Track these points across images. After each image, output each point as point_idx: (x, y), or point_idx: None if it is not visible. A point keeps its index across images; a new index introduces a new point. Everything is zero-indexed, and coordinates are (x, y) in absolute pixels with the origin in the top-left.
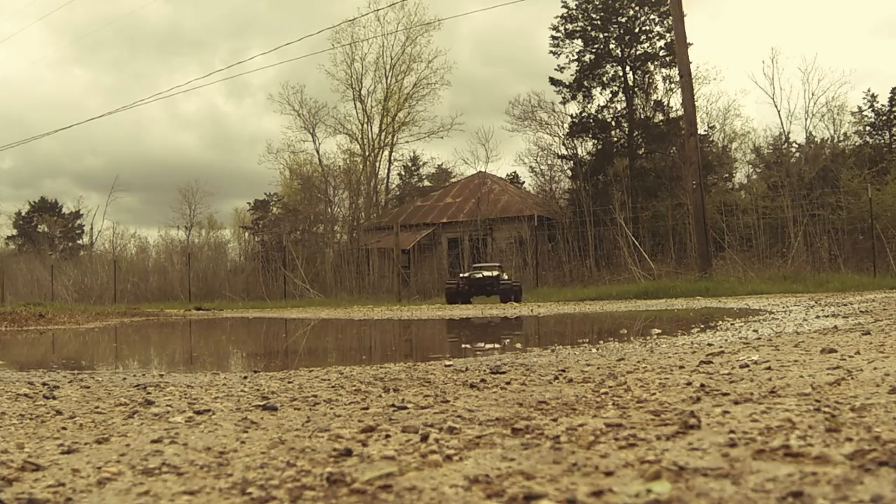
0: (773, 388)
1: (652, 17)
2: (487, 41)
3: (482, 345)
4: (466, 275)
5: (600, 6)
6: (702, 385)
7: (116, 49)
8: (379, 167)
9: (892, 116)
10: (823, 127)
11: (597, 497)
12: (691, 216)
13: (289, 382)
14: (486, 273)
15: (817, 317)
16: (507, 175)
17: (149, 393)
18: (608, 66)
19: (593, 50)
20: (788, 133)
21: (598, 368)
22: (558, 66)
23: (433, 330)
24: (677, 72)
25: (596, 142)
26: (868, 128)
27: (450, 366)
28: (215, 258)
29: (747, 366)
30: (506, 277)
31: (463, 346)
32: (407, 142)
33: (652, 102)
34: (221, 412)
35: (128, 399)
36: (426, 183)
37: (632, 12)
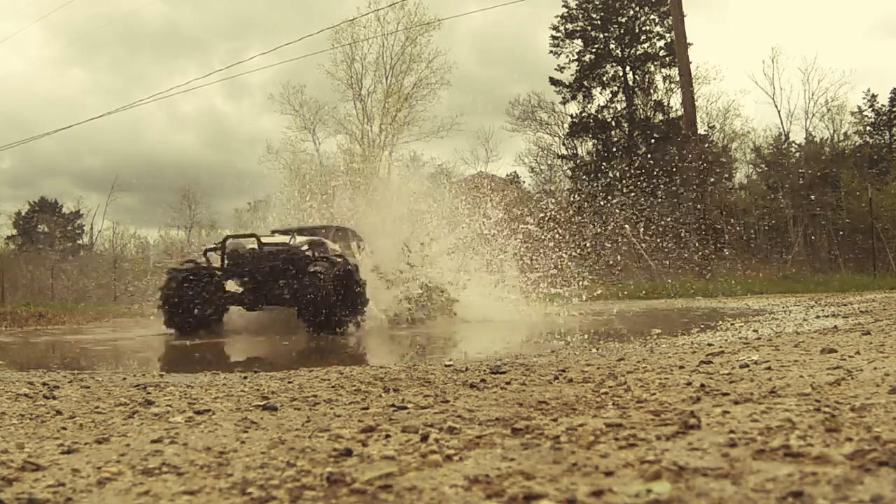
0: (773, 388)
1: (652, 17)
2: (487, 41)
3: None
4: (213, 246)
5: (600, 6)
6: (702, 385)
7: (115, 49)
8: (379, 167)
9: (892, 116)
10: (823, 127)
11: (597, 497)
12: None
13: (289, 382)
14: (280, 241)
15: (817, 317)
16: (507, 175)
17: (149, 393)
18: (608, 66)
19: (593, 50)
20: (788, 133)
21: (598, 368)
22: (558, 66)
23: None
24: (677, 72)
25: (596, 142)
26: (868, 128)
27: (449, 366)
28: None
29: (747, 366)
30: (336, 257)
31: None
32: (407, 142)
33: (652, 102)
34: (221, 412)
35: (128, 399)
36: None
37: (632, 12)
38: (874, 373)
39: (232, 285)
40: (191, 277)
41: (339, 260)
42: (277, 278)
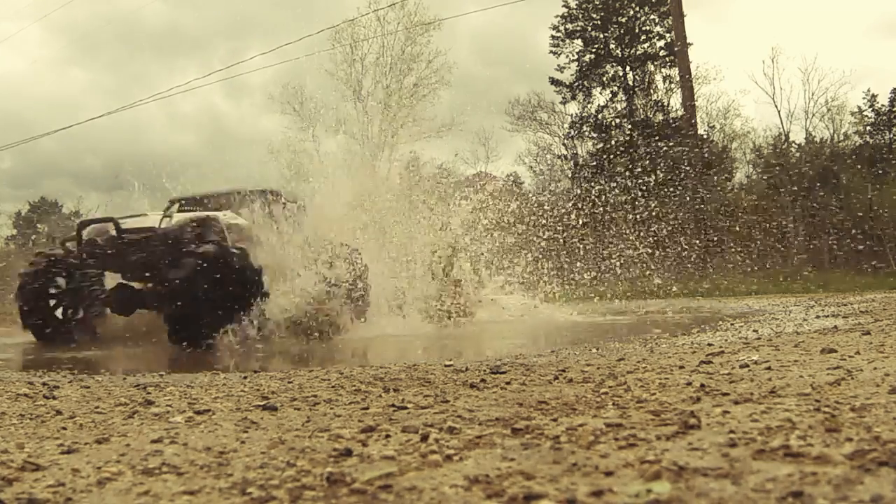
0: (773, 388)
1: (652, 17)
2: (487, 41)
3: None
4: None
5: (600, 6)
6: (702, 385)
7: (115, 49)
8: (379, 167)
9: (892, 116)
10: (823, 127)
11: (597, 497)
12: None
13: (289, 382)
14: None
15: (817, 317)
16: (508, 175)
17: (149, 393)
18: (608, 66)
19: (593, 50)
20: (788, 133)
21: (598, 368)
22: (558, 66)
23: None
24: (677, 72)
25: (596, 142)
26: (868, 128)
27: (449, 366)
28: None
29: (747, 366)
30: (219, 244)
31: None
32: (407, 142)
33: (652, 102)
34: (221, 412)
35: (128, 399)
36: None
37: (632, 12)
38: (874, 373)
39: (113, 282)
40: (42, 273)
41: (212, 249)
42: (137, 274)
